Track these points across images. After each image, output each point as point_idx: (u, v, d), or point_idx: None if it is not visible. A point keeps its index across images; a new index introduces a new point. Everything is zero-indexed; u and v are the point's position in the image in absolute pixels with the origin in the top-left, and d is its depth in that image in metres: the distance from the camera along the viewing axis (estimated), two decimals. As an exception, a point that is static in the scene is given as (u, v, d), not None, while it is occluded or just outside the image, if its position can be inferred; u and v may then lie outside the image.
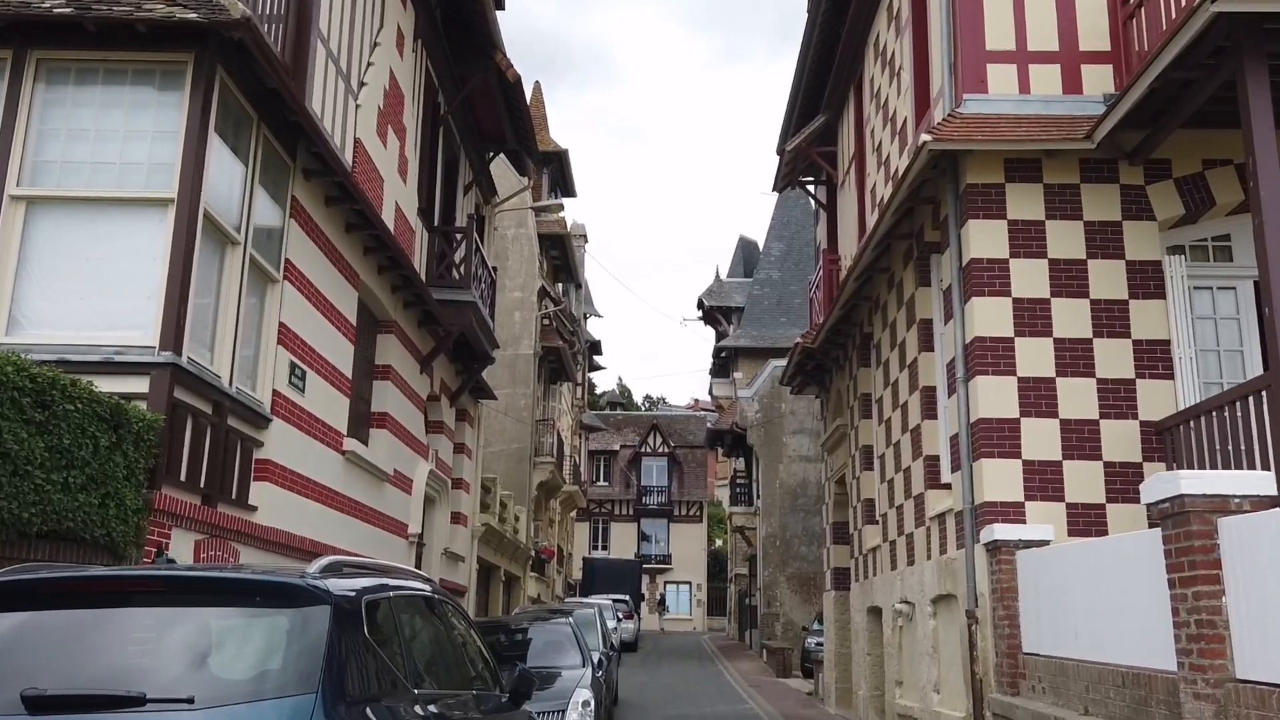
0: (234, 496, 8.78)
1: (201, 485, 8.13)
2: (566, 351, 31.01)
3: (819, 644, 24.11)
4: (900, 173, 10.98)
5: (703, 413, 59.06)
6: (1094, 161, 9.85)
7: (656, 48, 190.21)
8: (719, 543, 59.97)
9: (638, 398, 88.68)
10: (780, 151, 18.58)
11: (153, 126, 8.06)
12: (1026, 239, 9.78)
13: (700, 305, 44.76)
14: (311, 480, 10.44)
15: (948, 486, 10.91)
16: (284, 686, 2.98)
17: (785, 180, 18.45)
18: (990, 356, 9.57)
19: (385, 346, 13.59)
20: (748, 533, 34.08)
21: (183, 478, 7.81)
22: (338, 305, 11.24)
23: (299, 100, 9.11)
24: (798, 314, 41.72)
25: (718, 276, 45.92)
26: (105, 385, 6.96)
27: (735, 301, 43.57)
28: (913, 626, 11.99)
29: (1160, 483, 5.76)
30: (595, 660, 11.07)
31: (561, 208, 20.83)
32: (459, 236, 15.68)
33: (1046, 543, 8.71)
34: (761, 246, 44.92)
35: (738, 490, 34.72)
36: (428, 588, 4.95)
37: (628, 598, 35.50)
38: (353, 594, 3.51)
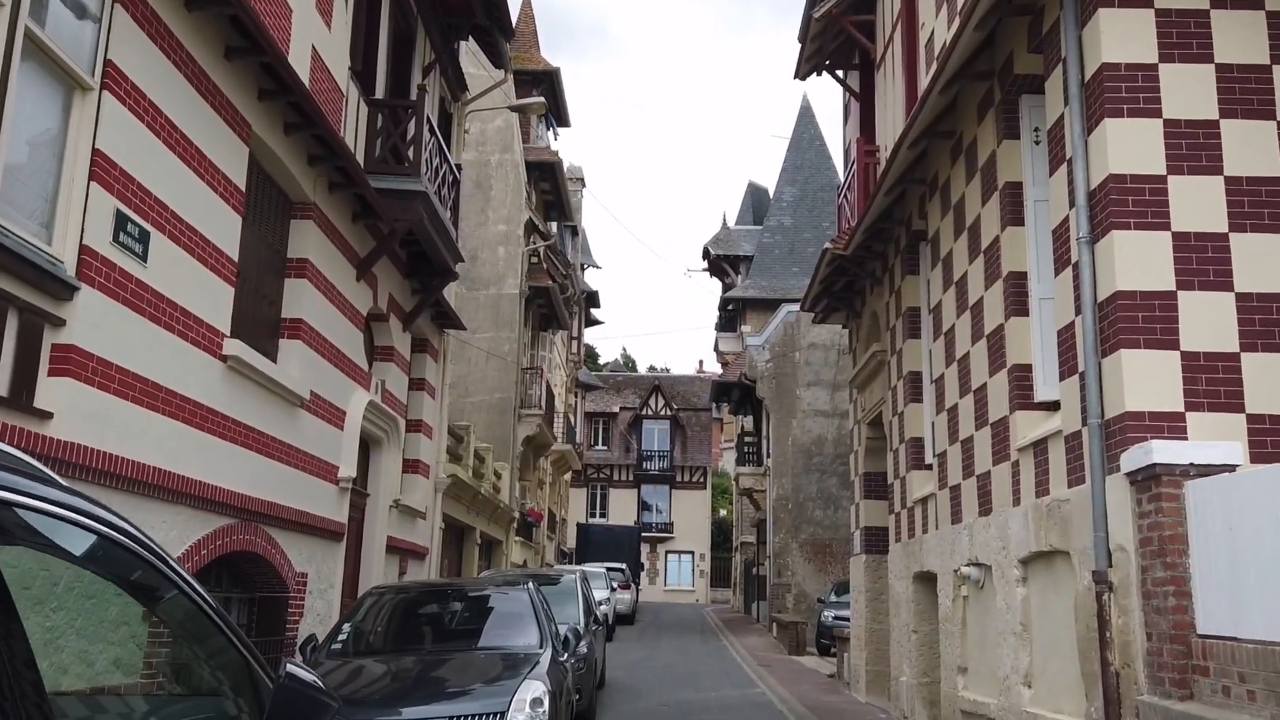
0: (3, 393, 5.82)
1: (-77, 366, 5.17)
2: (557, 293, 27.96)
3: (838, 618, 21.28)
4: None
5: (707, 375, 56.12)
6: (1280, -74, 6.78)
7: (657, 21, 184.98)
8: (723, 513, 57.20)
9: (642, 368, 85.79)
10: (803, 34, 15.45)
11: None
12: (1183, 36, 6.73)
13: (706, 255, 41.63)
14: (160, 387, 7.47)
15: (1049, 405, 7.93)
16: None
17: (811, 64, 15.34)
18: (1132, 203, 6.55)
19: (301, 235, 10.58)
20: (756, 495, 31.15)
21: (-128, 348, 4.85)
22: (211, 155, 8.23)
23: None
24: (811, 263, 38.68)
25: (725, 224, 42.75)
26: None
27: (744, 250, 40.47)
28: (986, 597, 9.04)
29: None
30: (562, 638, 8.15)
31: (544, 106, 17.82)
32: (408, 112, 12.61)
33: (1233, 467, 5.73)
34: (772, 192, 41.76)
35: (745, 449, 31.79)
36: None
37: (625, 566, 32.67)
38: None
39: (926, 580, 11.22)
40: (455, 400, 24.86)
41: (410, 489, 15.04)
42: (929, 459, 11.38)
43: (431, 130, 12.98)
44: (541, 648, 7.48)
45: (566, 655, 7.98)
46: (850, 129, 15.93)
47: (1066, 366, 7.19)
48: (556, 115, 31.17)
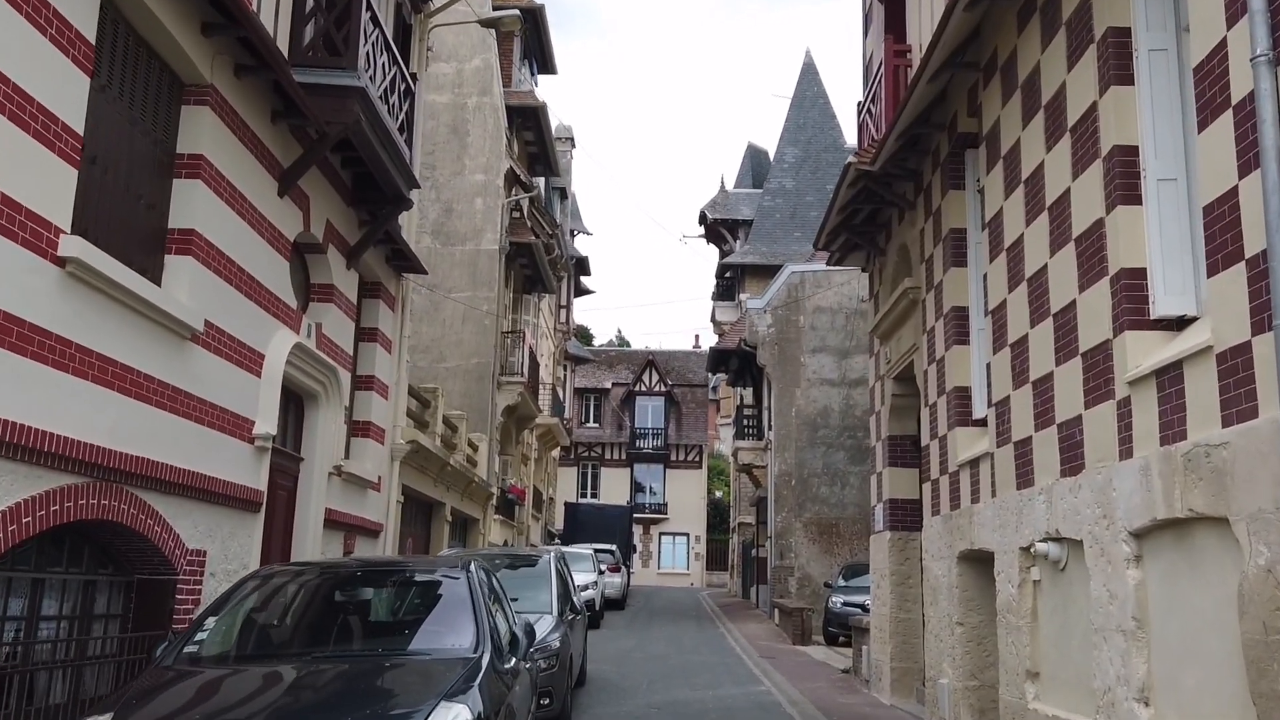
0: None
1: None
2: (541, 252, 25.73)
3: (848, 605, 19.31)
4: None
5: (703, 351, 53.96)
6: None
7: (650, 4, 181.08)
8: (719, 495, 55.15)
9: (638, 347, 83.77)
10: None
11: None
12: None
13: (702, 219, 39.40)
14: (-62, 286, 5.32)
15: (1173, 323, 5.82)
16: None
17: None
18: (1346, -5, 4.39)
19: (194, 125, 8.37)
20: (756, 471, 29.03)
21: None
22: (34, -19, 6.04)
23: None
24: (814, 227, 36.60)
25: (723, 187, 40.50)
26: None
27: (743, 214, 38.29)
28: (1070, 581, 6.93)
29: None
30: (510, 637, 6.05)
31: (519, 22, 15.67)
32: (342, -7, 10.38)
33: None
34: (773, 154, 39.55)
35: (745, 422, 29.64)
36: None
37: (615, 548, 30.59)
38: None
39: (976, 561, 9.12)
40: (429, 365, 22.76)
41: (359, 455, 12.90)
42: (979, 412, 9.28)
43: (375, 21, 10.78)
44: (476, 651, 5.35)
45: (515, 659, 5.87)
46: (872, 39, 13.73)
47: (1222, 255, 5.04)
48: (540, 59, 28.85)
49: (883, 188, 11.33)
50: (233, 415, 8.98)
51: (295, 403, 11.13)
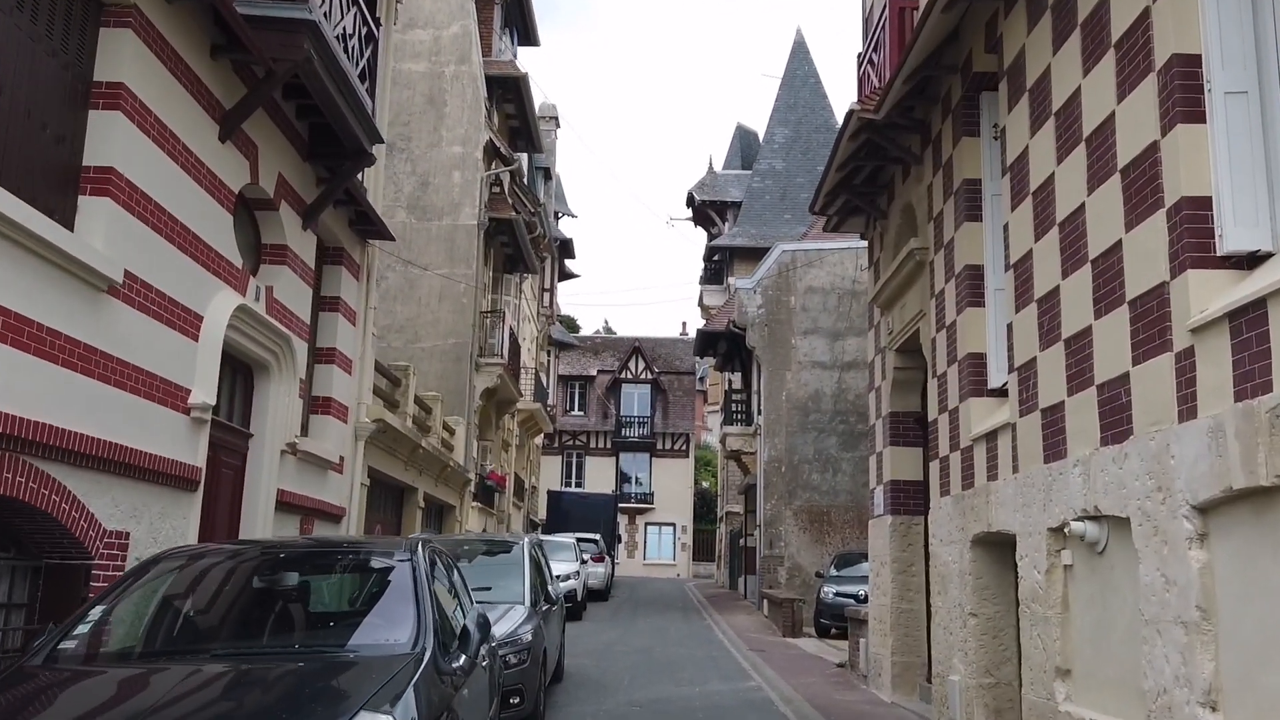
0: None
1: None
2: (522, 229, 24.71)
3: (841, 595, 18.50)
4: None
5: (690, 338, 53.07)
6: None
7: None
8: (705, 485, 54.28)
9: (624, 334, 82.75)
10: None
11: None
12: None
13: (690, 201, 38.45)
14: None
15: (1244, 260, 4.92)
16: None
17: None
18: None
19: (114, 50, 7.38)
20: (745, 458, 28.13)
21: None
22: None
23: None
24: (804, 209, 35.65)
25: (711, 169, 39.53)
26: None
27: (731, 196, 37.36)
28: (1111, 566, 6.04)
29: None
30: (461, 630, 5.12)
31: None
32: (292, -81, 9.37)
33: None
34: (762, 135, 38.64)
35: (733, 408, 28.74)
36: None
37: (599, 537, 29.68)
38: None
39: (993, 545, 8.23)
40: (404, 345, 21.79)
41: (318, 433, 11.94)
42: (996, 380, 8.38)
43: (329, -50, 9.78)
44: (416, 647, 4.42)
45: (465, 656, 4.94)
46: (873, -12, 12.78)
47: (1323, 164, 4.14)
48: (522, 29, 27.77)
49: (886, 140, 10.41)
50: (163, 381, 8.00)
51: (243, 373, 10.17)
